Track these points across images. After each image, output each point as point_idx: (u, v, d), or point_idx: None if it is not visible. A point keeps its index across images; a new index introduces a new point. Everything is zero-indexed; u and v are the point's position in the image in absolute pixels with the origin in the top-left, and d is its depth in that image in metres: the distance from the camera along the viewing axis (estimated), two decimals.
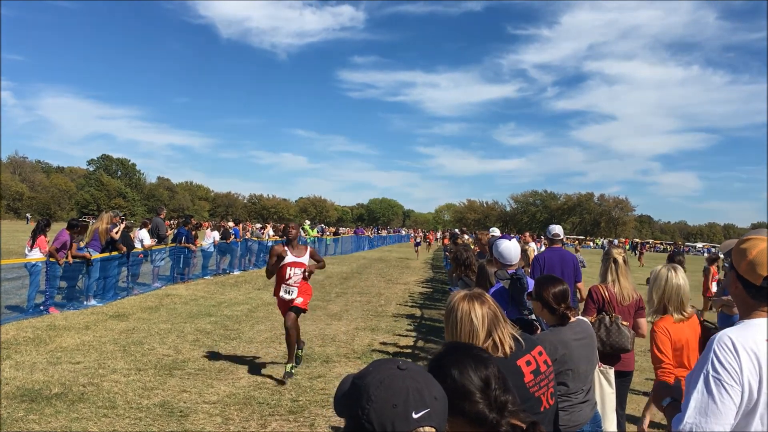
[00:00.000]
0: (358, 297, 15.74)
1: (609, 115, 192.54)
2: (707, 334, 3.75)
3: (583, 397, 3.31)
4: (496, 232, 8.41)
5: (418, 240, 39.22)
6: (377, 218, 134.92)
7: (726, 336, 1.94)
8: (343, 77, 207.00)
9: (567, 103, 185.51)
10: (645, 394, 6.92)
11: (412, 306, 14.67)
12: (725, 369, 1.88)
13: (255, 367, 7.99)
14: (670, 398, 2.28)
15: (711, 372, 1.90)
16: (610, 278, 4.94)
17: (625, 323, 4.62)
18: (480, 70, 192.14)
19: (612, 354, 4.57)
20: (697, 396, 1.91)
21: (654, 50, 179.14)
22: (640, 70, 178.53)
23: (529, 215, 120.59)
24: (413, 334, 10.92)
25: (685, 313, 3.81)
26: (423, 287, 19.46)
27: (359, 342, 9.84)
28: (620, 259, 4.95)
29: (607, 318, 4.61)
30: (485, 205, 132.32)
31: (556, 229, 7.71)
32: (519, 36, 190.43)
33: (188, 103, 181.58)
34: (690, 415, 1.90)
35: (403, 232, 75.79)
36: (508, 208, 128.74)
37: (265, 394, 6.78)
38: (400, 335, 10.67)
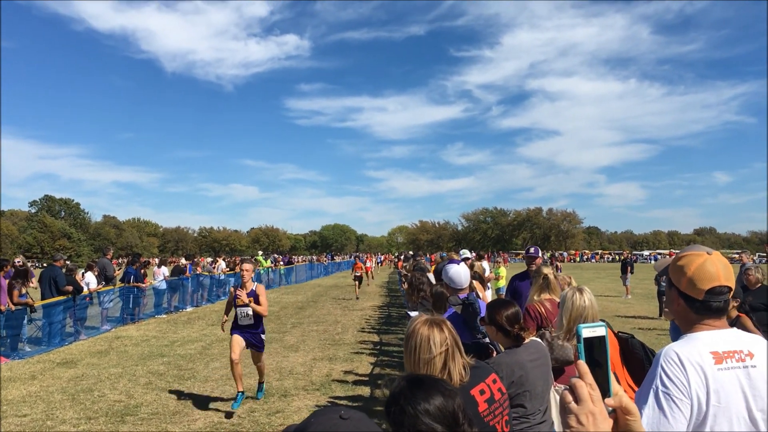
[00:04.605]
0: (314, 326, 15.57)
1: (553, 131, 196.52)
2: (624, 345, 3.83)
3: (541, 418, 3.34)
4: (467, 254, 8.69)
5: (358, 272, 26.43)
6: (330, 245, 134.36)
7: (672, 351, 1.98)
8: (290, 105, 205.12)
9: (512, 121, 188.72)
10: None
11: (369, 332, 14.58)
12: (673, 383, 1.92)
13: (211, 406, 7.79)
14: None
15: (660, 387, 1.93)
16: (544, 295, 5.10)
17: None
18: (426, 93, 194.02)
19: (558, 368, 4.65)
20: (648, 412, 1.93)
21: (592, 66, 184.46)
22: (580, 86, 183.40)
23: (481, 233, 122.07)
24: (372, 360, 10.85)
25: None
26: (380, 312, 19.39)
27: (317, 373, 9.72)
28: (551, 276, 5.16)
29: (547, 333, 4.70)
30: (437, 225, 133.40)
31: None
32: (462, 58, 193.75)
33: (133, 139, 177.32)
34: None
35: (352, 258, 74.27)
36: (459, 227, 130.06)
37: None
38: (359, 363, 10.58)
